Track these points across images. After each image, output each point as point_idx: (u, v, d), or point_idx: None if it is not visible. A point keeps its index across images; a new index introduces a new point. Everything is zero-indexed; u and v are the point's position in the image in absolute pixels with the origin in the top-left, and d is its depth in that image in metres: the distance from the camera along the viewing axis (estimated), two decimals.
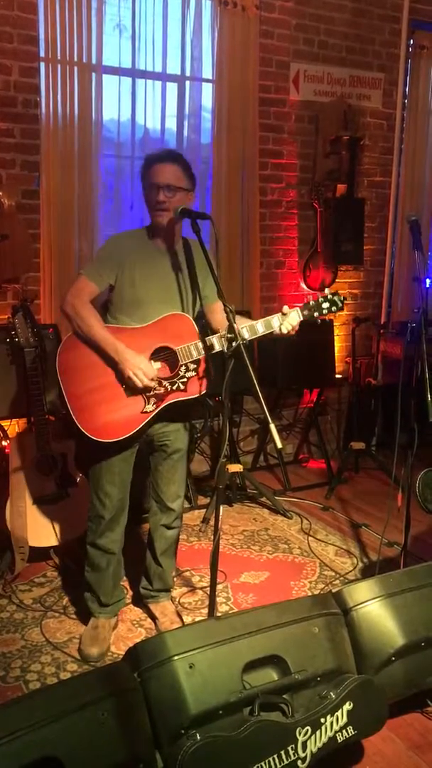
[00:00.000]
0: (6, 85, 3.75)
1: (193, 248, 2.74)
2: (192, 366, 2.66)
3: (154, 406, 2.64)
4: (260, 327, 2.65)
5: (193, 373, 2.66)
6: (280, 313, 2.66)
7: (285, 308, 2.65)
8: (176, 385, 2.65)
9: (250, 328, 2.64)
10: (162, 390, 2.63)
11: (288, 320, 2.64)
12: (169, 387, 2.64)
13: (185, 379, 2.66)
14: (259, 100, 4.53)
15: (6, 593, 3.20)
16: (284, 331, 2.64)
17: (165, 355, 2.65)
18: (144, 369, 2.55)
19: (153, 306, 2.64)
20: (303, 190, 4.88)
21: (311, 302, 2.73)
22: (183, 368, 2.65)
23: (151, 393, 2.62)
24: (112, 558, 2.86)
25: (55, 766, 1.73)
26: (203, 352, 2.62)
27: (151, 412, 2.64)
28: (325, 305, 2.73)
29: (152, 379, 2.57)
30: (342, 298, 2.76)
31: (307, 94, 4.76)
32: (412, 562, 2.87)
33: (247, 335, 2.62)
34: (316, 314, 2.72)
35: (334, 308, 2.74)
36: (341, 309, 2.77)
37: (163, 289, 2.68)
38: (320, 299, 2.74)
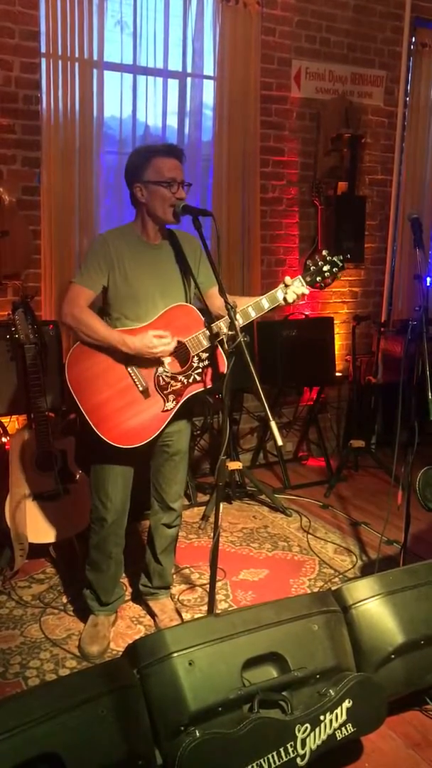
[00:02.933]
0: (7, 80, 3.74)
1: (180, 238, 2.73)
2: (204, 356, 2.63)
3: (174, 402, 2.63)
4: (265, 303, 2.61)
5: (207, 363, 2.63)
6: (282, 285, 2.62)
7: (287, 279, 2.62)
8: (192, 377, 2.63)
9: (255, 306, 2.59)
10: (179, 385, 2.62)
11: (292, 289, 2.60)
12: (185, 381, 2.63)
13: (200, 370, 2.64)
14: (261, 98, 4.52)
15: (5, 589, 3.20)
16: (290, 299, 2.60)
17: (175, 349, 2.62)
18: (156, 343, 2.51)
19: (151, 300, 2.63)
20: (304, 188, 4.87)
21: (311, 268, 2.68)
22: (195, 359, 2.62)
23: (169, 390, 2.60)
24: (113, 559, 2.86)
25: (54, 762, 1.73)
26: (213, 340, 2.60)
27: (172, 409, 2.63)
28: (326, 268, 2.68)
29: (169, 342, 2.54)
30: (341, 257, 2.70)
31: (308, 91, 4.75)
32: (412, 560, 2.87)
33: (253, 314, 2.59)
34: (318, 279, 2.68)
35: (335, 269, 2.69)
36: (342, 269, 2.71)
37: (158, 282, 2.65)
38: (319, 263, 2.69)
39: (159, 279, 2.66)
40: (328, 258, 2.69)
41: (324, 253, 2.70)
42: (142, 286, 2.62)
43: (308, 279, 2.67)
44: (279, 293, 2.61)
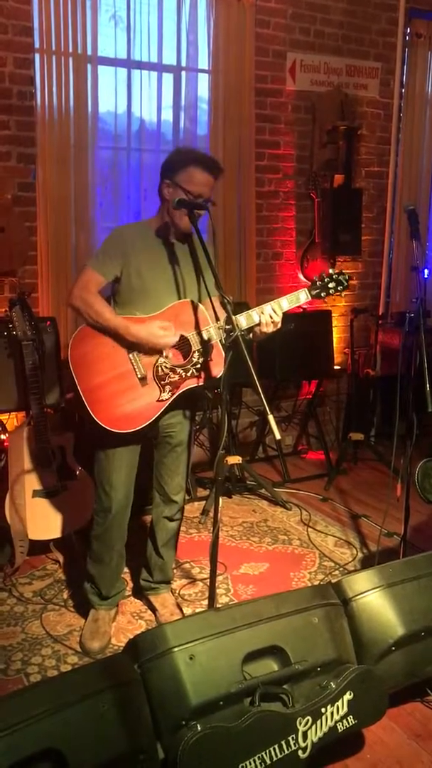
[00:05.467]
0: (0, 76, 3.72)
1: (195, 241, 2.73)
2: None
3: (170, 393, 2.65)
4: (285, 302, 2.63)
5: (207, 359, 2.65)
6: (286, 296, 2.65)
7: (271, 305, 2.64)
8: (190, 371, 2.65)
9: (259, 310, 2.60)
10: (177, 377, 2.64)
11: (267, 312, 2.61)
12: (183, 374, 2.65)
13: (199, 366, 2.66)
14: (256, 91, 4.50)
15: (6, 586, 3.20)
16: (263, 320, 2.60)
17: (178, 342, 2.64)
18: (160, 333, 2.56)
19: (161, 296, 2.65)
20: (300, 181, 4.86)
21: (318, 282, 2.75)
22: (197, 354, 2.65)
23: (167, 381, 2.62)
24: (116, 552, 2.87)
25: (56, 758, 1.74)
26: (215, 338, 2.62)
27: (167, 399, 2.64)
28: (332, 285, 2.75)
29: (172, 334, 2.59)
30: (346, 277, 2.78)
31: (303, 83, 4.73)
32: (412, 552, 2.88)
33: (256, 318, 2.59)
34: (323, 294, 2.75)
35: (340, 287, 2.76)
36: (346, 288, 2.79)
37: (170, 280, 2.68)
38: (326, 279, 2.75)
39: (167, 275, 2.68)
40: (334, 276, 2.76)
41: (330, 271, 2.78)
42: (153, 282, 2.65)
43: (313, 293, 2.73)
44: (284, 302, 2.64)
